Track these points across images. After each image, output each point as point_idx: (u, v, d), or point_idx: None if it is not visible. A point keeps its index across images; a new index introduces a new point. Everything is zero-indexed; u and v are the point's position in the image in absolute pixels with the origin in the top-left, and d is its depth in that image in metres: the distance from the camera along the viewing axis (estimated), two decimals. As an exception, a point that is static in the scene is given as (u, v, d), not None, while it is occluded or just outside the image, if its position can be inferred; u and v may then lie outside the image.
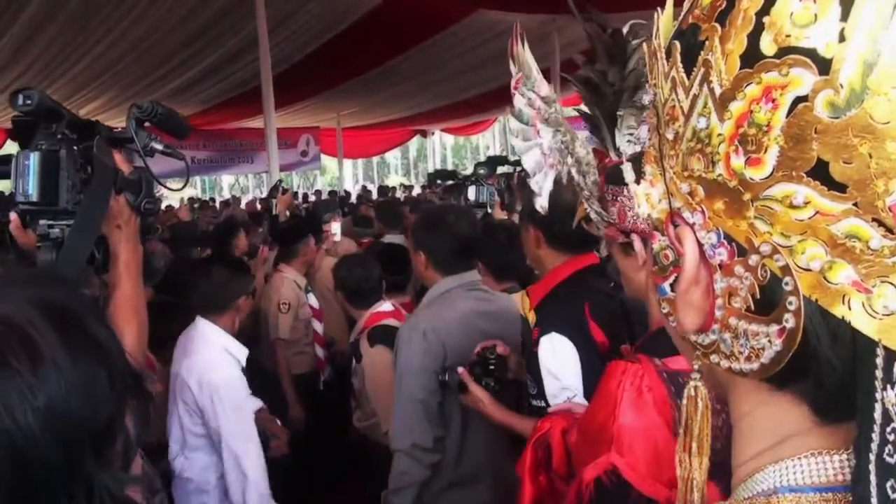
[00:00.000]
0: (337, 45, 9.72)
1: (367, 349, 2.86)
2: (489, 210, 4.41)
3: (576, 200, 1.45)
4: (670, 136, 0.49)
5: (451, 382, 1.98)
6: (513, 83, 1.36)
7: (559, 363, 1.72)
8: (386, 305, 3.16)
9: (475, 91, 12.58)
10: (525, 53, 1.33)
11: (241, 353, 2.69)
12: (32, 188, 1.15)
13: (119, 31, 8.09)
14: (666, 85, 0.50)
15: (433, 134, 22.70)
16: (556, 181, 1.39)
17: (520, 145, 1.40)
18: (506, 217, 4.35)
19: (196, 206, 15.60)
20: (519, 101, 1.37)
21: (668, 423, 1.20)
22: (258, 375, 3.26)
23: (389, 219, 5.52)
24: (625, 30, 1.23)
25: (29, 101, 1.14)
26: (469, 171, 4.91)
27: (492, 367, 1.94)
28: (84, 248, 1.17)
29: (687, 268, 0.49)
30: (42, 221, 1.20)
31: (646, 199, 0.53)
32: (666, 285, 0.53)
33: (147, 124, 1.31)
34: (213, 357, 2.57)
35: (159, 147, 1.32)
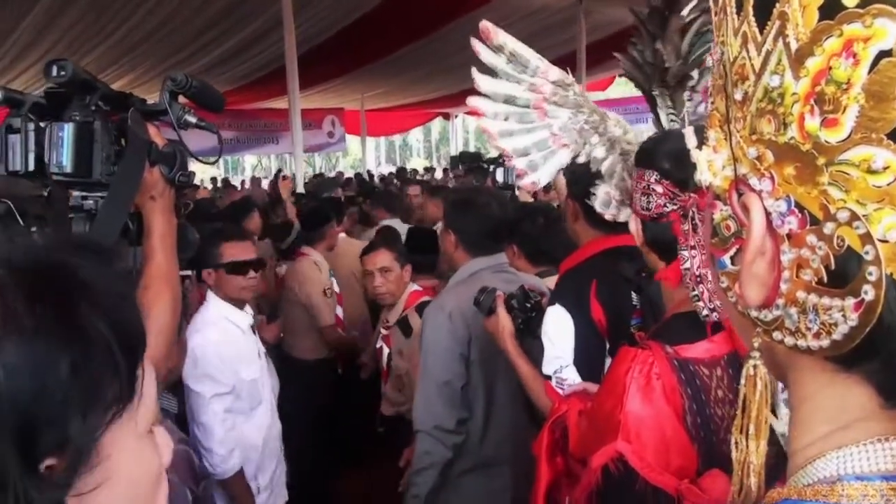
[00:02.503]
0: (361, 26, 9.71)
1: (418, 321, 2.87)
2: (516, 192, 4.42)
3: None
4: (738, 97, 0.47)
5: (484, 303, 1.98)
6: (473, 73, 1.38)
7: (555, 333, 1.75)
8: (414, 287, 3.19)
9: (500, 74, 12.53)
10: (515, 44, 1.35)
11: (242, 318, 2.75)
12: (66, 160, 1.14)
13: (145, 9, 8.13)
14: (735, 41, 0.47)
15: (456, 117, 22.61)
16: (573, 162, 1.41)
17: (501, 127, 1.41)
18: (532, 199, 4.34)
19: (219, 185, 15.74)
20: (501, 88, 1.39)
21: (676, 411, 1.19)
22: (284, 363, 3.29)
23: (388, 203, 5.60)
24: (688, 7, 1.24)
25: (63, 73, 1.13)
26: (494, 153, 4.90)
27: (528, 305, 1.94)
28: (117, 220, 1.16)
29: (753, 238, 0.46)
30: (75, 193, 1.20)
31: (708, 166, 0.50)
32: (726, 258, 0.51)
33: (181, 97, 1.30)
34: (200, 323, 2.66)
35: (193, 120, 1.31)
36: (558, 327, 1.74)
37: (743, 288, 0.48)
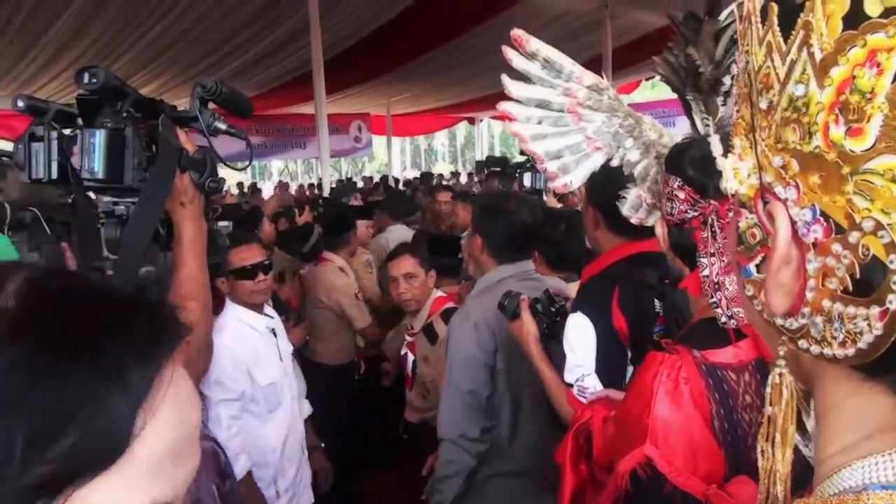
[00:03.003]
0: (388, 30, 9.77)
1: (444, 328, 2.88)
2: (544, 197, 4.41)
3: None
4: (763, 106, 0.47)
5: (508, 306, 1.98)
6: (503, 78, 1.39)
7: (577, 341, 1.74)
8: (438, 293, 3.21)
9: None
10: (549, 50, 1.36)
11: (259, 321, 2.77)
12: (98, 166, 1.17)
13: (174, 15, 8.25)
14: (760, 51, 0.47)
15: (481, 121, 22.62)
16: (605, 165, 1.41)
17: (533, 131, 1.42)
18: (560, 205, 4.32)
19: (246, 190, 15.88)
20: (534, 93, 1.39)
21: (704, 416, 1.18)
22: (306, 368, 3.32)
23: (395, 208, 5.59)
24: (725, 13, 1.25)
25: (95, 80, 1.15)
26: (520, 158, 4.89)
27: (553, 309, 1.93)
28: (149, 225, 1.18)
29: (779, 246, 0.47)
30: (107, 199, 1.22)
31: (734, 174, 0.51)
32: (751, 266, 0.51)
33: (211, 104, 1.32)
34: (216, 328, 2.65)
35: (223, 127, 1.33)
36: (579, 335, 1.73)
37: (768, 296, 0.48)
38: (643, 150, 1.40)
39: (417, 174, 23.96)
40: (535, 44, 1.35)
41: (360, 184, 15.86)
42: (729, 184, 0.51)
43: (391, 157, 19.60)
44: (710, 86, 1.29)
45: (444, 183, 12.36)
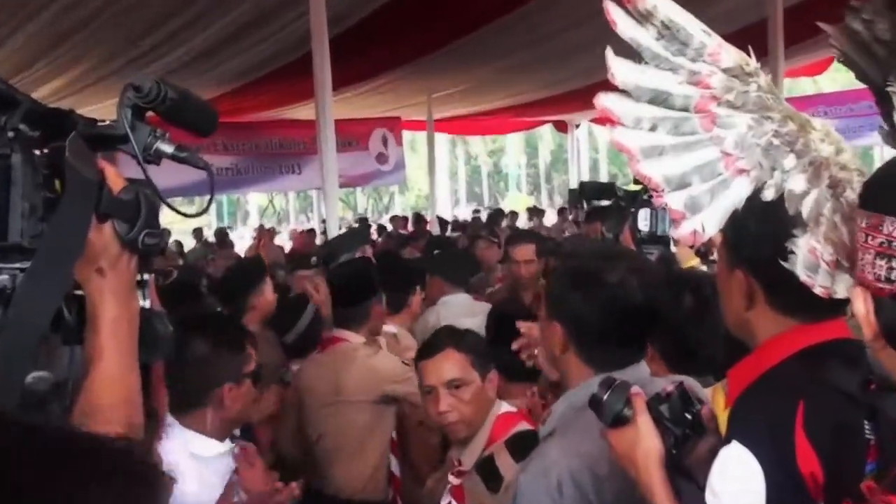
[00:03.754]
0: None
1: (513, 466, 2.83)
2: (672, 248, 4.32)
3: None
4: None
5: (610, 404, 1.92)
6: (608, 55, 1.43)
7: (732, 492, 1.67)
8: (505, 407, 3.19)
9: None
10: (673, 8, 1.39)
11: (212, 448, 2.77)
12: (-35, 213, 1.19)
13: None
14: None
15: (577, 127, 22.78)
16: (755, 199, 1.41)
17: (646, 142, 1.43)
18: (699, 262, 4.26)
19: (211, 239, 16.19)
20: (647, 80, 1.41)
21: None
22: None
23: (451, 269, 5.61)
24: None
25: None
26: (636, 185, 4.85)
27: (689, 417, 1.89)
28: (46, 305, 1.19)
29: None
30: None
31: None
32: None
33: (150, 114, 1.35)
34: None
35: (168, 150, 1.36)
36: (737, 481, 1.67)
37: None
38: (812, 173, 1.39)
39: (478, 210, 24.22)
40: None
41: (385, 226, 16.02)
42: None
43: (435, 185, 19.45)
44: None
45: (522, 227, 12.41)
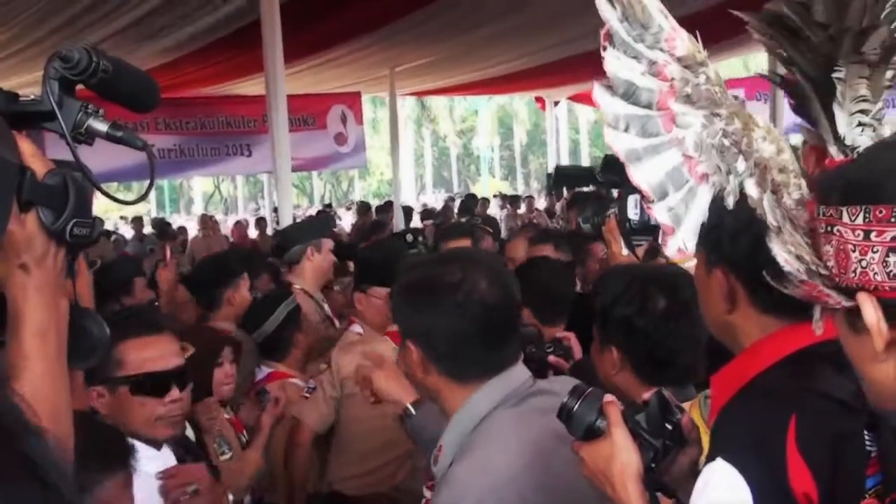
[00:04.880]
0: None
1: None
2: (659, 243, 4.32)
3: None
4: None
5: (580, 414, 1.92)
6: (602, 35, 1.41)
7: None
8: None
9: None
10: None
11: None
12: None
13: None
14: None
15: (556, 104, 22.84)
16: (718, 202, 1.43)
17: (626, 144, 1.43)
18: (628, 258, 4.28)
19: (151, 230, 16.19)
20: (621, 69, 1.41)
21: None
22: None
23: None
24: None
25: None
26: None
27: (669, 425, 1.89)
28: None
29: None
30: None
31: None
32: None
33: (80, 86, 1.33)
34: None
35: (102, 128, 1.34)
36: (723, 501, 1.67)
37: None
38: (759, 176, 1.39)
39: (452, 197, 24.12)
40: None
41: (348, 217, 15.99)
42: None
43: (398, 168, 19.16)
44: (886, 52, 1.28)
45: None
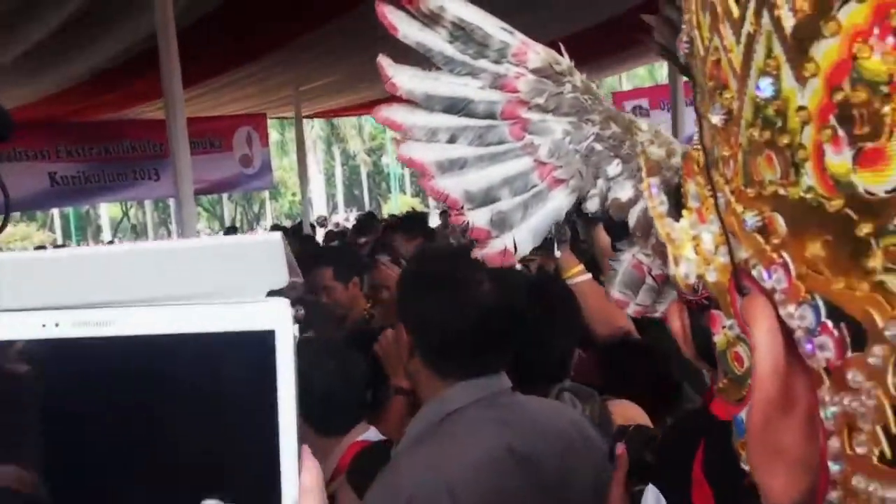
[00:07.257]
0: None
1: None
2: (556, 251, 4.31)
3: None
4: (716, 120, 0.46)
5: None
6: (388, 68, 1.46)
7: None
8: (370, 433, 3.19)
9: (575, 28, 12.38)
10: (464, 6, 1.37)
11: None
12: None
13: None
14: (704, 20, 0.46)
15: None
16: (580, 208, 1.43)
17: (442, 155, 1.43)
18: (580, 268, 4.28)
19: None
20: (451, 85, 1.41)
21: None
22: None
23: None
24: None
25: None
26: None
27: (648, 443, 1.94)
28: None
29: (760, 376, 0.44)
30: None
31: (693, 246, 0.49)
32: (743, 414, 0.50)
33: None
34: None
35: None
36: None
37: (759, 474, 0.46)
38: (639, 179, 1.40)
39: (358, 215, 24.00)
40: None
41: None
42: (682, 268, 0.49)
43: (307, 187, 19.08)
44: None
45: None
